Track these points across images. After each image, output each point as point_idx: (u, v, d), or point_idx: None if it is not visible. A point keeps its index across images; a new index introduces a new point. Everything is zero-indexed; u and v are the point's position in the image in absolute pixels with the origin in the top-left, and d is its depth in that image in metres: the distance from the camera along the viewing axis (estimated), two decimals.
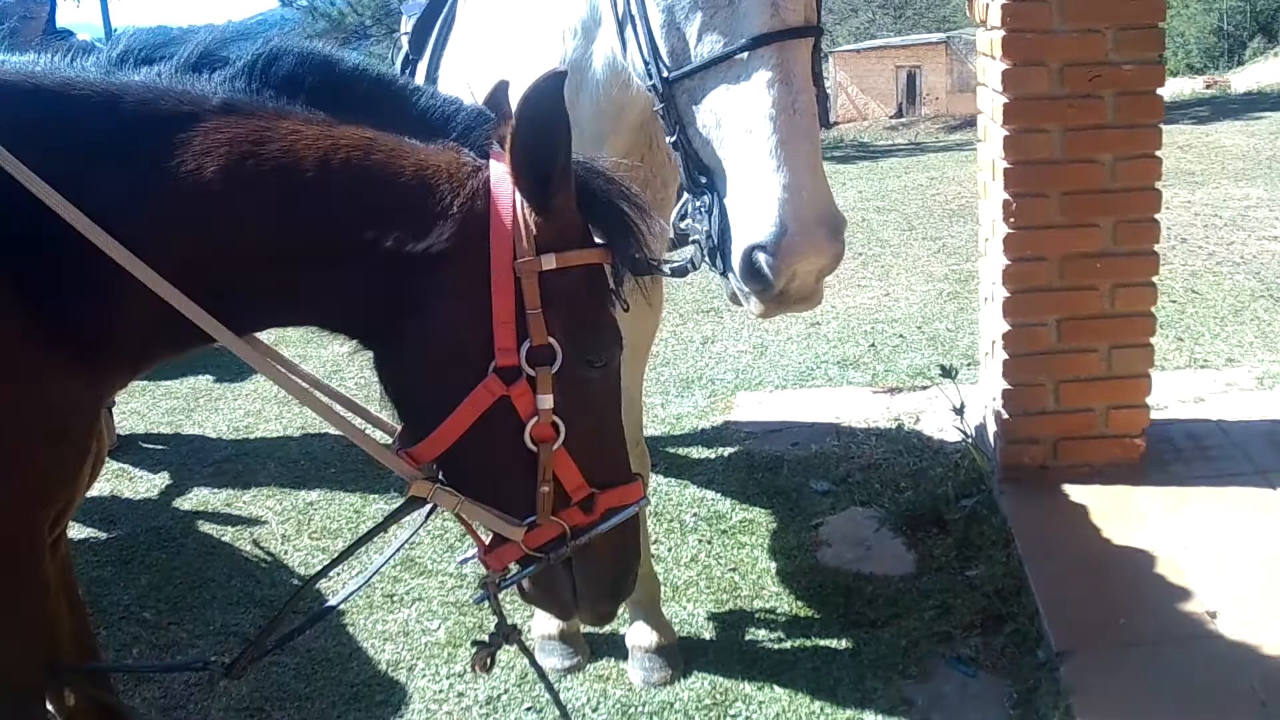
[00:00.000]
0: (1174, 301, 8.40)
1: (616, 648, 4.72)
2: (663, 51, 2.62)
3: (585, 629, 4.80)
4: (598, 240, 2.46)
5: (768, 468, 6.21)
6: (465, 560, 2.75)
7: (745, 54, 2.52)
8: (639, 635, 4.61)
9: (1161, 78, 5.05)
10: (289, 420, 7.53)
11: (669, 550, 5.43)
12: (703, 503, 5.91)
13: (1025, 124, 4.96)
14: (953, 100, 28.16)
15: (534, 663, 2.84)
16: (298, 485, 6.54)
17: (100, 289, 2.26)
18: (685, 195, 2.82)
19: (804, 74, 2.58)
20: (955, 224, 11.76)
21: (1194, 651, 4.08)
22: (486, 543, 2.59)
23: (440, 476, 2.52)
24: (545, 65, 3.31)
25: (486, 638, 2.67)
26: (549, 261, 2.33)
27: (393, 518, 2.69)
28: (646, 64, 2.67)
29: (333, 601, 2.98)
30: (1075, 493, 5.12)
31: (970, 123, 21.63)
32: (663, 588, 4.87)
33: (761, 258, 2.51)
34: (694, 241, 2.74)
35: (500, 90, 2.59)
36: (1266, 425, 5.70)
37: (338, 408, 2.64)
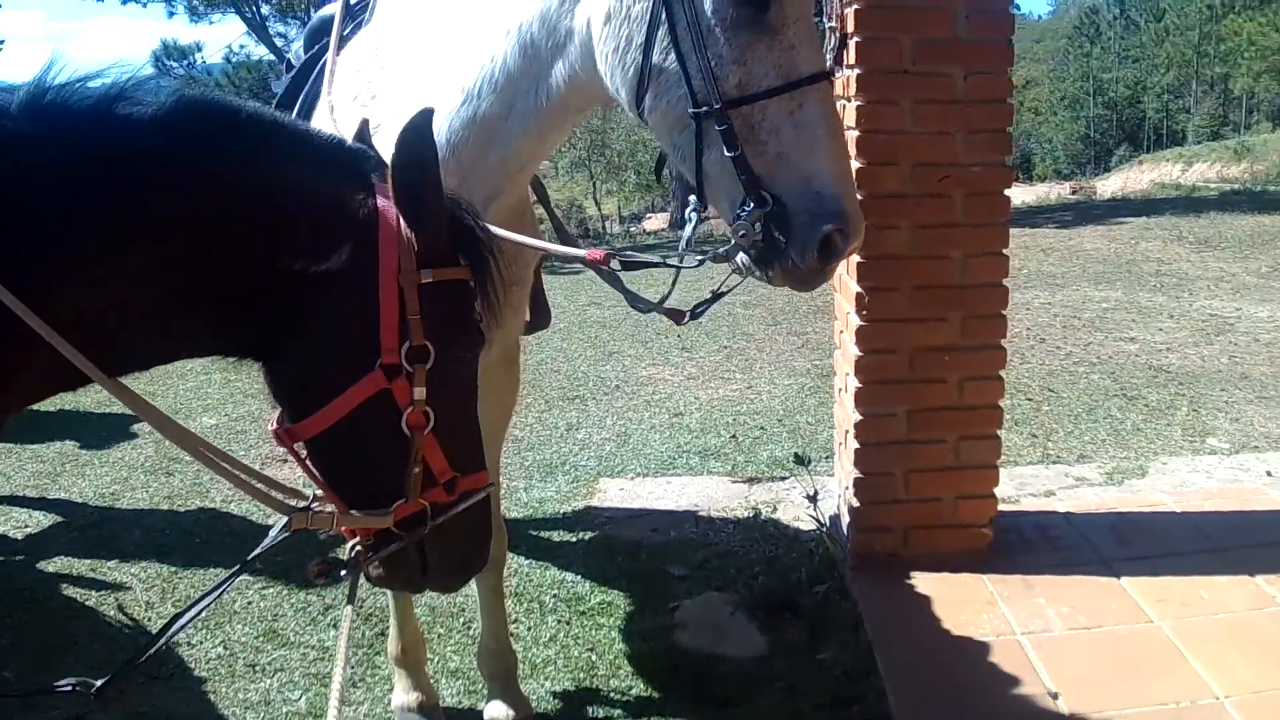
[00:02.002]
0: (1030, 400, 8.61)
1: None
2: (729, 84, 3.02)
3: (444, 703, 4.87)
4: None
5: (627, 552, 6.26)
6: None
7: (807, 86, 3.02)
8: (496, 710, 4.65)
9: (1008, 180, 5.22)
10: (156, 489, 7.48)
11: (528, 630, 5.47)
12: (563, 585, 5.95)
13: (878, 220, 5.02)
14: None
15: (354, 586, 2.95)
16: (163, 554, 6.50)
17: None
18: (739, 211, 3.12)
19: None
20: (819, 320, 11.90)
21: None
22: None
23: (309, 463, 2.78)
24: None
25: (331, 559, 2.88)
26: (426, 275, 2.65)
27: (261, 550, 2.89)
28: (695, 94, 3.05)
29: (193, 611, 3.08)
30: (924, 580, 5.22)
31: None
32: (520, 665, 4.91)
33: (838, 237, 3.00)
34: (740, 238, 3.09)
35: (364, 127, 2.92)
36: (1112, 518, 5.84)
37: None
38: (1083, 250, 15.59)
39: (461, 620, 5.53)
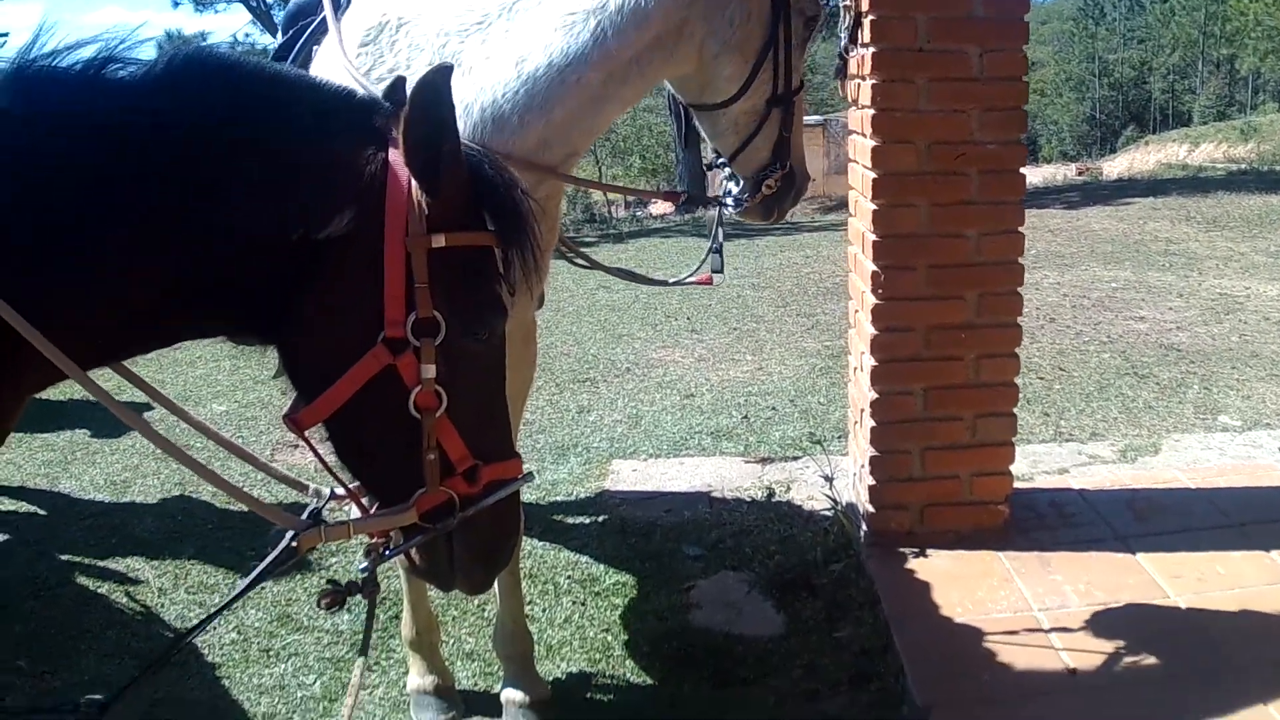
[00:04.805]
0: (1041, 379, 8.60)
1: (492, 704, 4.75)
2: (794, 83, 4.13)
3: (460, 685, 4.86)
4: (488, 225, 2.57)
5: (641, 533, 6.24)
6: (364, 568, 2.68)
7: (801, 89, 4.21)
8: (513, 692, 4.64)
9: (1023, 157, 5.21)
10: (167, 476, 7.44)
11: (543, 611, 5.46)
12: (577, 566, 5.93)
13: (894, 199, 5.08)
14: (829, 182, 27.85)
15: (370, 617, 2.81)
16: (175, 540, 6.46)
17: None
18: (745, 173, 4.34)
19: None
20: (829, 301, 11.93)
21: (1052, 707, 4.19)
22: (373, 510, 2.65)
23: (330, 441, 2.59)
24: None
25: (344, 583, 2.64)
26: (438, 240, 2.44)
27: (270, 567, 2.65)
28: (777, 88, 4.09)
29: (203, 618, 2.94)
30: (940, 557, 5.22)
31: (845, 204, 22.05)
32: (536, 647, 4.90)
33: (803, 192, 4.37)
34: (766, 189, 4.29)
35: (399, 84, 2.64)
36: (1126, 494, 5.83)
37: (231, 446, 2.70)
38: (1090, 230, 15.59)
39: (476, 603, 5.50)
